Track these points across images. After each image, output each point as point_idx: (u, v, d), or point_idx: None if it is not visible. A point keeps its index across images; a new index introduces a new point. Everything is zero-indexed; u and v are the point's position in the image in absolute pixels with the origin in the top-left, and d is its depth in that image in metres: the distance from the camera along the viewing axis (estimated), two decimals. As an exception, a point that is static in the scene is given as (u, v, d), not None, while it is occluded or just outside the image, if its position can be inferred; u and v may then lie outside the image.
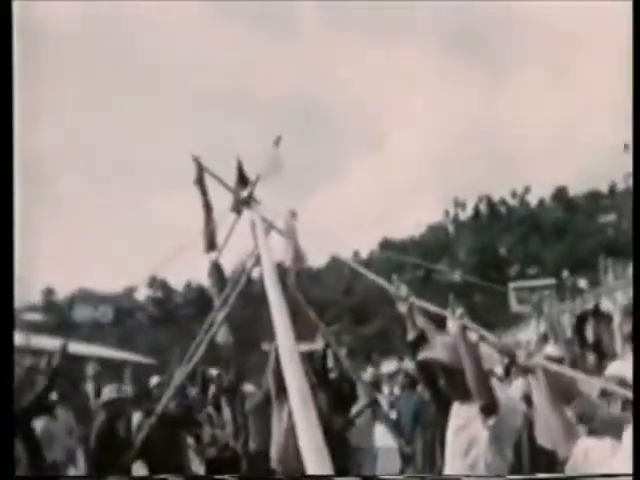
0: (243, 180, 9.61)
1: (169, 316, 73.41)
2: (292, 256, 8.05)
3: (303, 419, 2.35)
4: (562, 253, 74.22)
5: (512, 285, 72.39)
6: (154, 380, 9.60)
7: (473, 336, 3.95)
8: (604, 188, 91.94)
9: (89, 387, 10.21)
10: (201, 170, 9.49)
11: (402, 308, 4.72)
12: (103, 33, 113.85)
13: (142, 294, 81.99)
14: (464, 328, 3.95)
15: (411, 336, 4.65)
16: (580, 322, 11.53)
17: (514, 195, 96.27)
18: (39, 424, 6.56)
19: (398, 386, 10.51)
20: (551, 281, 69.38)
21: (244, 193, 9.29)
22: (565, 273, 51.77)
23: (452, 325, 4.09)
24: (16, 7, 4.47)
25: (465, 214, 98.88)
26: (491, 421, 3.70)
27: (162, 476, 6.53)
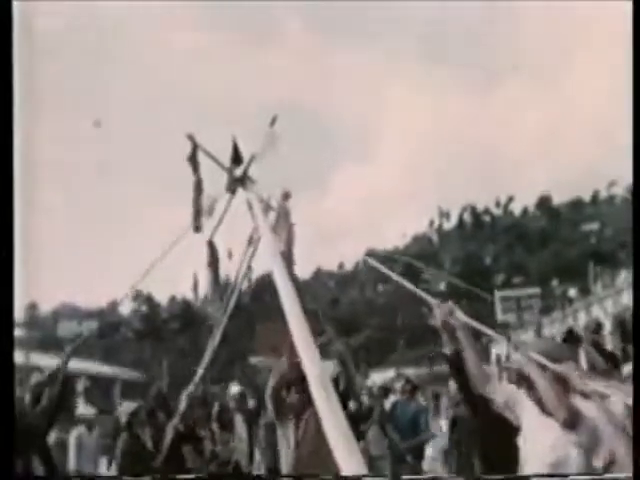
0: (237, 158, 9.46)
1: (154, 330, 73.03)
2: (285, 239, 8.00)
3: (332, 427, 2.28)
4: (547, 262, 74.52)
5: (498, 294, 72.67)
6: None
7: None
8: (587, 197, 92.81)
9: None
10: (195, 147, 9.29)
11: (436, 321, 4.46)
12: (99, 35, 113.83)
13: (127, 308, 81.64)
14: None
15: (448, 350, 4.46)
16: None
17: (498, 204, 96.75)
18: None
19: (395, 393, 10.45)
20: (536, 290, 69.74)
21: (238, 172, 9.16)
22: (554, 282, 51.95)
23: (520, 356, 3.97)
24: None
25: (450, 224, 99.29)
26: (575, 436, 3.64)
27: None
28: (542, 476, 3.64)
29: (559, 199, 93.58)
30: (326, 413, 2.31)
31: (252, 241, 8.62)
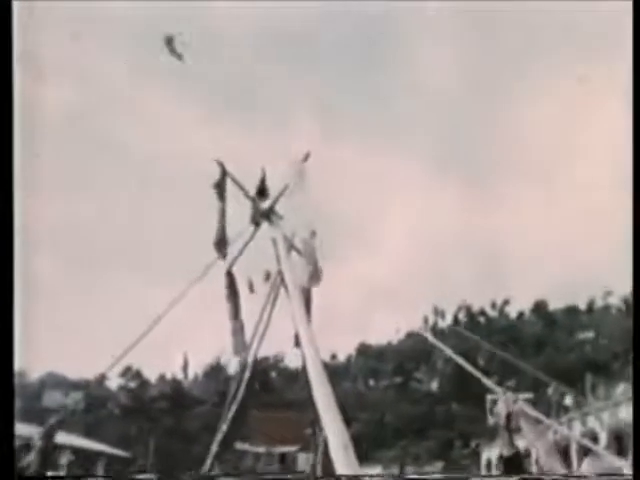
0: (264, 191, 9.41)
1: (141, 408, 71.89)
2: (309, 276, 8.00)
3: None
4: (541, 367, 73.92)
5: (490, 397, 71.82)
6: None
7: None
8: (582, 305, 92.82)
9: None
10: (224, 174, 9.27)
11: (499, 419, 4.62)
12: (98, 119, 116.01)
13: (114, 383, 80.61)
14: None
15: (507, 451, 4.53)
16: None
17: (494, 306, 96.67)
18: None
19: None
20: (529, 395, 68.92)
21: (264, 205, 9.15)
22: (550, 389, 51.54)
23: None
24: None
25: (444, 322, 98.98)
26: None
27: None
28: (544, 475, 3.70)
29: (555, 305, 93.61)
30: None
31: (273, 283, 8.61)
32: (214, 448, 8.28)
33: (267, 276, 8.92)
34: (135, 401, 75.45)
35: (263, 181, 9.29)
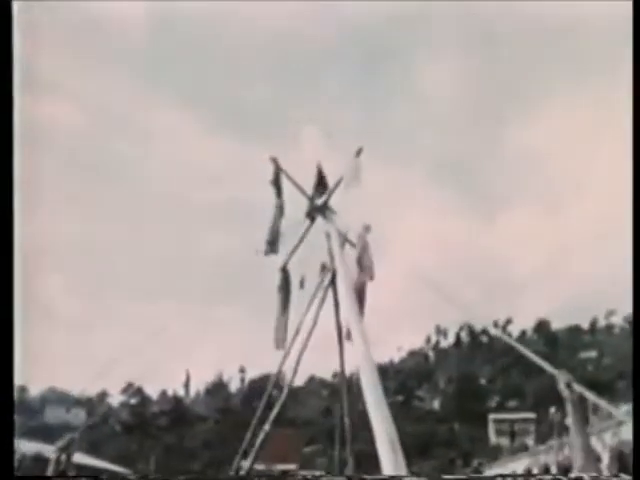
0: (322, 184, 9.44)
1: (142, 424, 71.48)
2: (360, 270, 8.04)
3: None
4: (543, 387, 73.57)
5: (491, 417, 71.46)
6: None
7: None
8: (585, 324, 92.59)
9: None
10: (278, 170, 9.32)
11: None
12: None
13: (116, 400, 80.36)
14: None
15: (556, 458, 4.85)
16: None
17: (496, 325, 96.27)
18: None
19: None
20: (531, 415, 68.56)
21: (320, 200, 9.17)
22: (552, 409, 51.16)
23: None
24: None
25: (447, 341, 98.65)
26: None
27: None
28: (545, 475, 3.74)
29: (557, 325, 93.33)
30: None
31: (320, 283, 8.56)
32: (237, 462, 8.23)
33: (323, 268, 8.94)
34: (136, 417, 75.10)
35: (320, 174, 9.32)
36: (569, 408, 4.82)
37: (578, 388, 4.83)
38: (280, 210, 9.84)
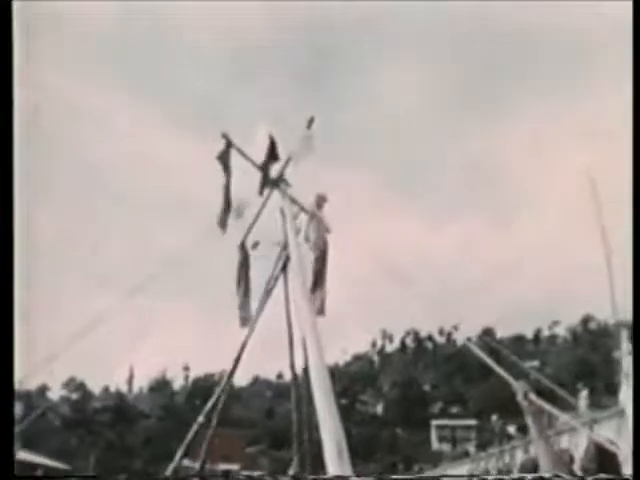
0: (274, 155, 9.19)
1: (83, 420, 70.29)
2: (314, 241, 7.96)
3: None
4: (485, 395, 74.58)
5: (434, 422, 72.12)
6: None
7: None
8: (529, 333, 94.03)
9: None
10: (229, 145, 9.03)
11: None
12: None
13: (56, 394, 78.94)
14: None
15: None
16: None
17: (441, 332, 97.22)
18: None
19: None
20: (473, 422, 69.42)
21: (273, 172, 8.99)
22: (494, 417, 51.95)
23: None
24: None
25: (392, 346, 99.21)
26: None
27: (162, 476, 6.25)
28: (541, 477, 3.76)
29: (502, 333, 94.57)
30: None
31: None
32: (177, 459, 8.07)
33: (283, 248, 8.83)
34: (77, 413, 73.87)
35: (272, 145, 9.13)
36: (528, 417, 4.96)
37: (535, 398, 5.00)
38: (228, 187, 9.64)
